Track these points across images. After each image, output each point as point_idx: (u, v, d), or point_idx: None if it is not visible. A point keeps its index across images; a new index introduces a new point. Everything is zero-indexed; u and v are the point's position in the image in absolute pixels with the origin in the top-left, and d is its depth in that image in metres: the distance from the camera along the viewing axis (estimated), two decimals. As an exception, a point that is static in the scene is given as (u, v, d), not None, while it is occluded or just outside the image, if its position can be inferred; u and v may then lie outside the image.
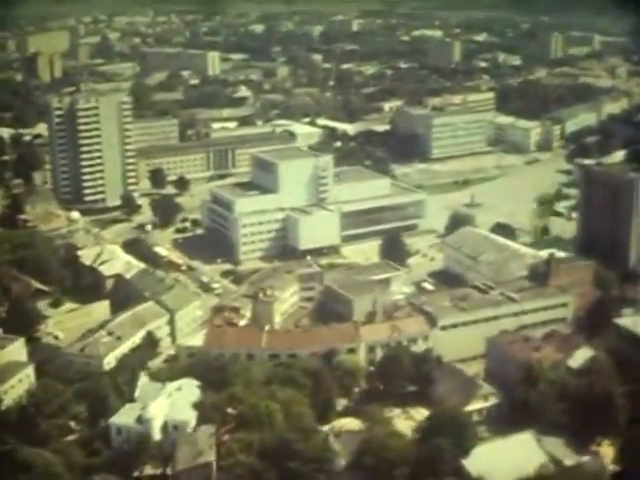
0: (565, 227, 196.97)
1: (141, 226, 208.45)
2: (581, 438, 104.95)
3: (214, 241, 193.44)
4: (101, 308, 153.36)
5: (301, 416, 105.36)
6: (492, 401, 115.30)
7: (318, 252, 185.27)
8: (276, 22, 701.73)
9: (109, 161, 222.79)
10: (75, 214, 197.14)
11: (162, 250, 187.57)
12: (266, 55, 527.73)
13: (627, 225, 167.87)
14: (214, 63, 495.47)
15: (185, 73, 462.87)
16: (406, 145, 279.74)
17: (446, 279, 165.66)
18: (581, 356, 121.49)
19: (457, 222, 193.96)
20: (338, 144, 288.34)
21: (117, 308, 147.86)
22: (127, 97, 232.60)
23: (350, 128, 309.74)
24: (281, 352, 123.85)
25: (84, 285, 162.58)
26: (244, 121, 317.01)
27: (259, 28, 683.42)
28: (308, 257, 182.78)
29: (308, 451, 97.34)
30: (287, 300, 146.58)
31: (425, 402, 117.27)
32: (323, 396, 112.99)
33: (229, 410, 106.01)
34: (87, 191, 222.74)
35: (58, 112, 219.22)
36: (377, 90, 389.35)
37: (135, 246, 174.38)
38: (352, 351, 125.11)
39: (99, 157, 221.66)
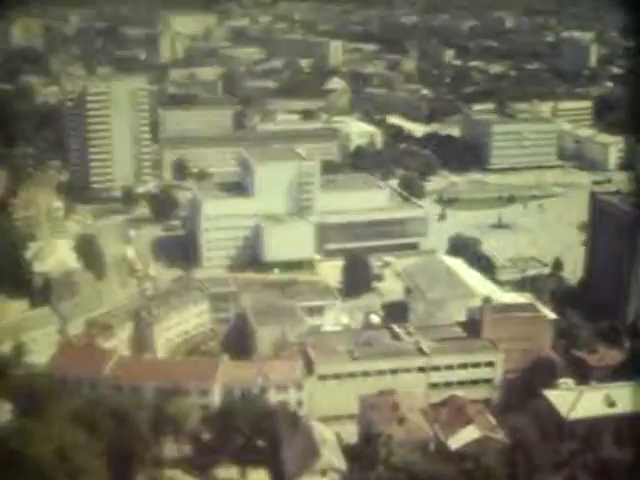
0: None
1: (134, 220, 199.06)
2: None
3: (187, 244, 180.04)
4: (20, 307, 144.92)
5: (76, 468, 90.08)
6: (332, 477, 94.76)
7: (288, 265, 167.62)
8: (432, 15, 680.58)
9: (119, 149, 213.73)
10: (56, 202, 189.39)
11: (130, 250, 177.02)
12: (401, 47, 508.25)
13: (629, 270, 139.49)
14: (337, 52, 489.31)
15: (303, 61, 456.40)
16: (466, 151, 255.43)
17: (398, 312, 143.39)
18: (465, 436, 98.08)
19: (458, 246, 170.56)
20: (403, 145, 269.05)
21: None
22: (144, 83, 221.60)
23: (419, 129, 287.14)
24: (124, 384, 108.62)
25: (17, 280, 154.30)
26: (308, 115, 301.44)
27: (410, 20, 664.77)
28: (275, 270, 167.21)
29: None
30: (189, 320, 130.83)
31: (268, 464, 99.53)
32: (129, 445, 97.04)
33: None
34: (95, 179, 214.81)
35: (70, 96, 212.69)
36: (475, 91, 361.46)
37: (87, 243, 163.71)
38: (205, 392, 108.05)
39: (107, 145, 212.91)
